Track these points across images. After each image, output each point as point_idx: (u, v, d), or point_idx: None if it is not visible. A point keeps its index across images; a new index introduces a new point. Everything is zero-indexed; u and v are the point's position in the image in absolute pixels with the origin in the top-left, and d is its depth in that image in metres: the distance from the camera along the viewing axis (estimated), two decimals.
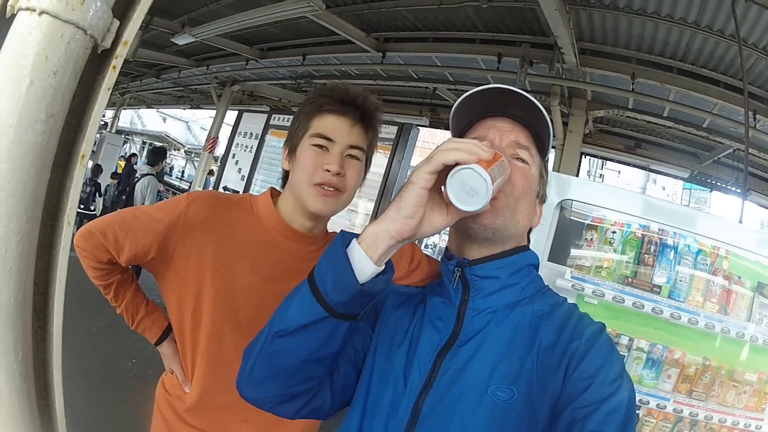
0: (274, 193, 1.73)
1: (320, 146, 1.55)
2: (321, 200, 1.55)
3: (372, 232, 1.02)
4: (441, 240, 16.36)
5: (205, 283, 1.58)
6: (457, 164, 0.97)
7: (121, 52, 0.81)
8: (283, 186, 1.71)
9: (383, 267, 1.05)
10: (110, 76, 0.80)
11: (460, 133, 1.36)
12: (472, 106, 1.28)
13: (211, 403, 1.65)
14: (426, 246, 16.91)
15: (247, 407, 1.64)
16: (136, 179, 8.50)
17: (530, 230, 1.36)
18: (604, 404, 0.96)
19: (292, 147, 1.65)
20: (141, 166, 8.92)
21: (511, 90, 1.19)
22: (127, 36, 0.81)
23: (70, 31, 0.69)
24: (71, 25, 0.68)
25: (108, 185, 12.54)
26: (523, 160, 1.25)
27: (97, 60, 0.80)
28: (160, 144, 25.96)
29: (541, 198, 1.35)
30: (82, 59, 0.73)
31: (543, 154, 1.31)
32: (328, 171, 1.53)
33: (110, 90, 0.81)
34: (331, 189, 1.56)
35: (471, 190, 0.97)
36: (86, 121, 0.81)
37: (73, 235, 0.92)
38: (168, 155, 18.56)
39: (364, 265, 1.01)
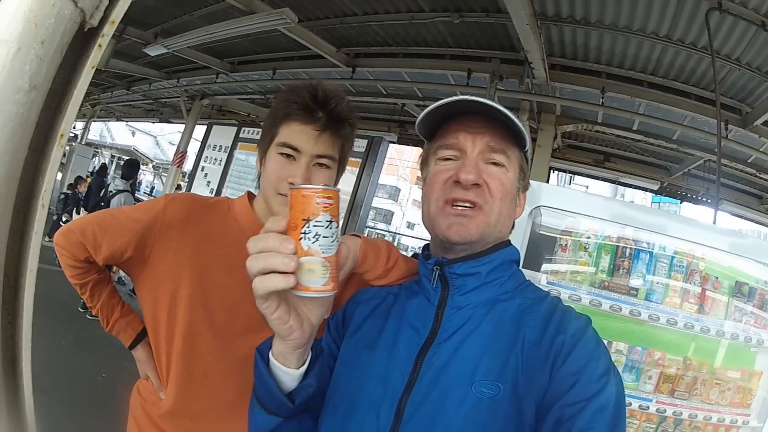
0: (251, 196, 1.73)
1: (287, 155, 1.53)
2: (287, 209, 1.53)
3: (278, 351, 1.06)
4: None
5: (181, 283, 1.55)
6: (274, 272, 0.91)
7: (108, 31, 0.78)
8: (258, 186, 1.69)
9: (306, 361, 1.10)
10: (95, 54, 0.78)
11: (429, 134, 1.35)
12: (438, 112, 1.26)
13: (186, 409, 1.60)
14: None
15: (222, 414, 1.62)
16: (110, 194, 8.32)
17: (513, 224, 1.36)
18: (592, 402, 0.95)
19: (261, 151, 1.64)
20: (116, 180, 8.70)
21: (479, 101, 1.18)
22: (115, 15, 0.78)
23: (61, 0, 0.67)
24: None
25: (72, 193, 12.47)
26: (498, 164, 1.23)
27: (82, 39, 0.77)
28: (128, 158, 25.78)
29: (524, 187, 1.33)
30: (69, 33, 0.71)
31: (521, 145, 1.28)
32: (292, 184, 1.50)
33: (94, 68, 0.79)
34: None
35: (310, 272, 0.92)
36: (67, 100, 0.78)
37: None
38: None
39: (289, 375, 1.07)
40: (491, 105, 1.17)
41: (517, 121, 1.18)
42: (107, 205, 8.11)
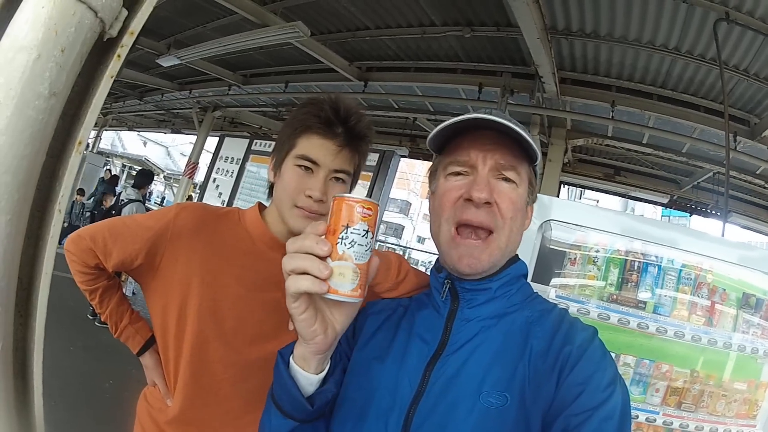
0: (261, 207, 1.74)
1: (305, 167, 1.54)
2: (302, 221, 1.54)
3: (299, 354, 1.08)
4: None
5: (191, 292, 1.56)
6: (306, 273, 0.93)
7: (127, 42, 0.80)
8: (269, 196, 1.70)
9: (326, 368, 1.12)
10: (114, 64, 0.79)
11: (439, 148, 1.34)
12: (449, 128, 1.26)
13: (193, 416, 1.61)
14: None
15: (229, 422, 1.63)
16: (122, 203, 8.34)
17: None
18: (598, 411, 0.95)
19: (277, 161, 1.64)
20: (128, 189, 8.71)
21: (491, 119, 1.17)
22: (135, 27, 0.80)
23: (81, 9, 0.68)
24: (83, 5, 0.68)
25: (74, 201, 12.50)
26: (508, 180, 1.23)
27: (101, 49, 0.79)
28: (140, 167, 25.78)
29: (533, 200, 1.33)
30: (89, 42, 0.72)
31: (531, 159, 1.28)
32: (310, 197, 1.52)
33: (113, 78, 0.80)
34: (313, 214, 1.54)
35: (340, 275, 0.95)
36: (86, 107, 0.79)
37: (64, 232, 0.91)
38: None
39: (307, 380, 1.09)
40: (502, 122, 1.17)
41: (527, 136, 1.18)
42: (118, 214, 8.05)
